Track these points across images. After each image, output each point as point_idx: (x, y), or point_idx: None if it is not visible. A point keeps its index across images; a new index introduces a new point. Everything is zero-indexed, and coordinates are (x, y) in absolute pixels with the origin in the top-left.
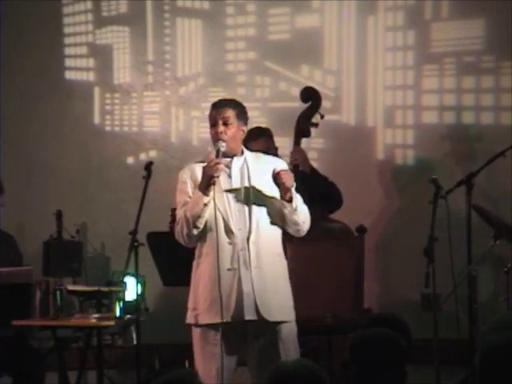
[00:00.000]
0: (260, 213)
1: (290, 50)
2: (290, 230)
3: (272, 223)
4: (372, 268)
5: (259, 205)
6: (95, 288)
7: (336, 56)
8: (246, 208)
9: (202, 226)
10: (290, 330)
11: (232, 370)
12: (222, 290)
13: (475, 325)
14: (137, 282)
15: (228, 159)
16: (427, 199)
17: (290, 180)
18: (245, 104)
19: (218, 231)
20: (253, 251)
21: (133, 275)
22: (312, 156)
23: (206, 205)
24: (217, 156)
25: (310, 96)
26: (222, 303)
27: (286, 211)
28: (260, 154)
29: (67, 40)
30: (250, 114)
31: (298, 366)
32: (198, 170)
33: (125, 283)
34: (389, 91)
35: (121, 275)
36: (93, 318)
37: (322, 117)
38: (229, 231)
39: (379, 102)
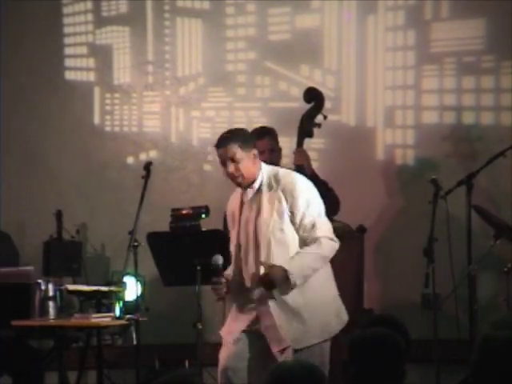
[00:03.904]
0: (271, 247)
1: (290, 50)
2: None
3: (287, 252)
4: (372, 268)
5: (269, 241)
6: (95, 288)
7: (336, 56)
8: (255, 246)
9: None
10: (320, 351)
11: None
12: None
13: (475, 325)
14: (136, 282)
15: (222, 280)
16: (427, 199)
17: (268, 286)
18: (245, 104)
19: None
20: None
21: (132, 275)
22: (312, 156)
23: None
24: (217, 274)
25: (313, 97)
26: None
27: None
28: (278, 172)
29: (67, 40)
30: (250, 114)
31: (298, 366)
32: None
33: (125, 283)
34: (389, 91)
35: (120, 275)
36: (93, 318)
37: (325, 117)
38: (240, 277)
39: (379, 102)
